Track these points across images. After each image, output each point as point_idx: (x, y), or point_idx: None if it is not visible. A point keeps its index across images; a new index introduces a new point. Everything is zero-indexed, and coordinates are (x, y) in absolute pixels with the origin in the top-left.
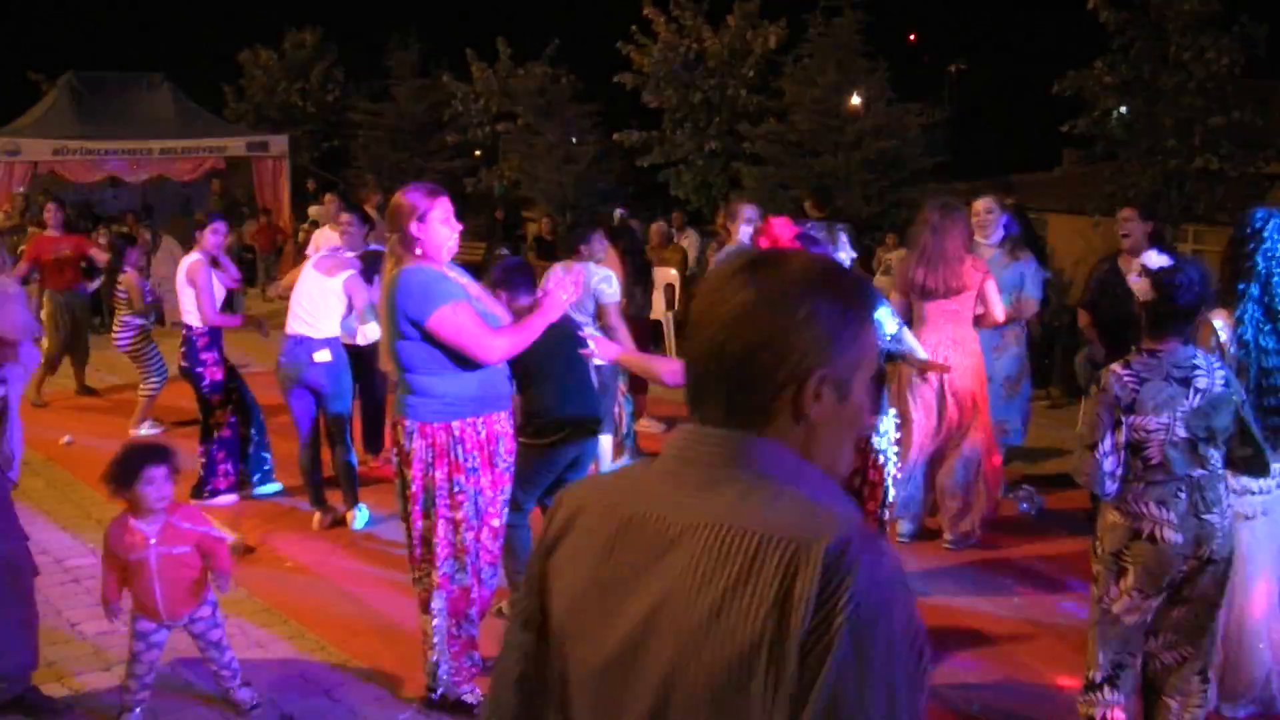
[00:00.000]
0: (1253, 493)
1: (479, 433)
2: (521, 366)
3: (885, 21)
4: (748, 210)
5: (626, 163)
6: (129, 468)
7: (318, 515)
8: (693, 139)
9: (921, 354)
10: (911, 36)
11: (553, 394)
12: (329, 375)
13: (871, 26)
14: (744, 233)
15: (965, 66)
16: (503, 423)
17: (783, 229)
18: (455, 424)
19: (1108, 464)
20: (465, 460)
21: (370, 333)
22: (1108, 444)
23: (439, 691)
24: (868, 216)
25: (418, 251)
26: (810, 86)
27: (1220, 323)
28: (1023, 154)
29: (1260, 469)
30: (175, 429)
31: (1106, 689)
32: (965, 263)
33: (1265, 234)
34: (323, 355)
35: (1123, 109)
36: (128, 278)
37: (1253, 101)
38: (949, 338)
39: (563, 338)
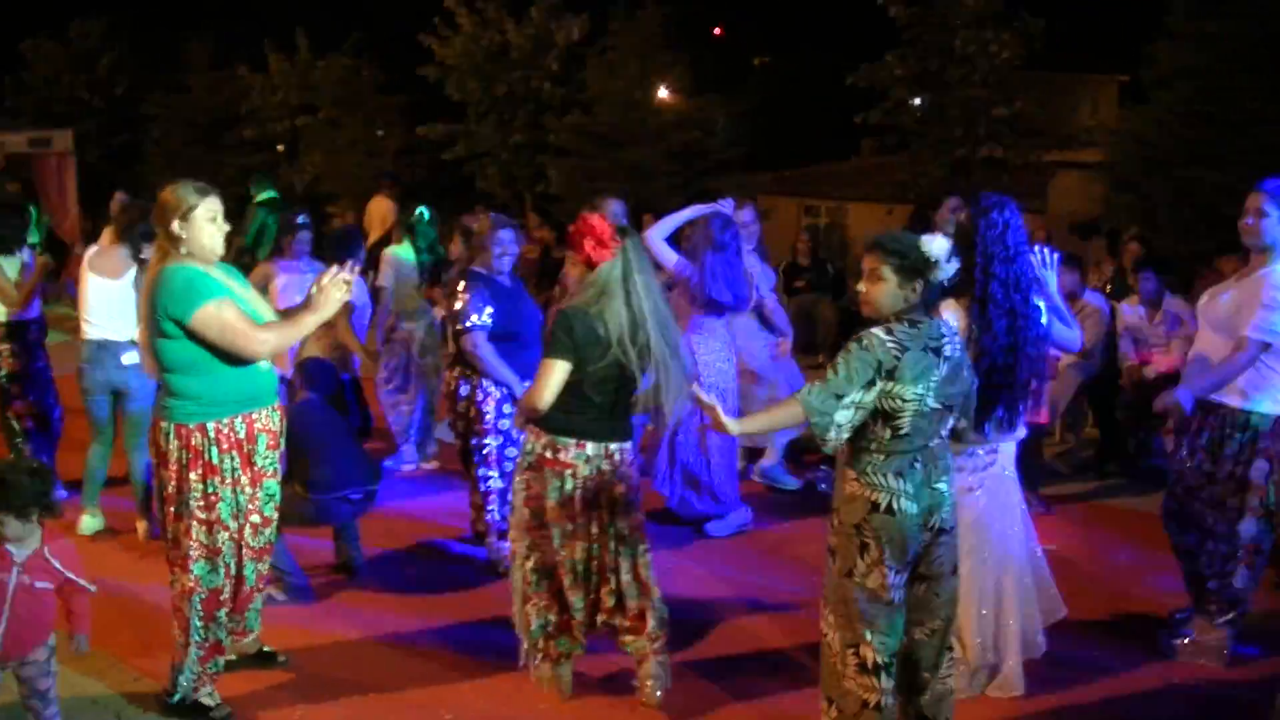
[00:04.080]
0: (969, 469)
1: (236, 433)
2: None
3: (689, 15)
4: (612, 204)
5: (432, 157)
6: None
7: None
8: (498, 132)
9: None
10: (718, 30)
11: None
12: (138, 376)
13: (675, 20)
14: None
15: (769, 59)
16: (265, 419)
17: (605, 226)
18: (210, 425)
19: (842, 416)
20: (220, 462)
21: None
22: (853, 395)
23: (176, 696)
24: (673, 208)
25: (183, 250)
26: (614, 79)
27: (951, 314)
28: (823, 144)
29: (960, 439)
30: None
31: (884, 676)
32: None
33: (1005, 219)
34: (131, 357)
35: (918, 100)
36: None
37: (1033, 93)
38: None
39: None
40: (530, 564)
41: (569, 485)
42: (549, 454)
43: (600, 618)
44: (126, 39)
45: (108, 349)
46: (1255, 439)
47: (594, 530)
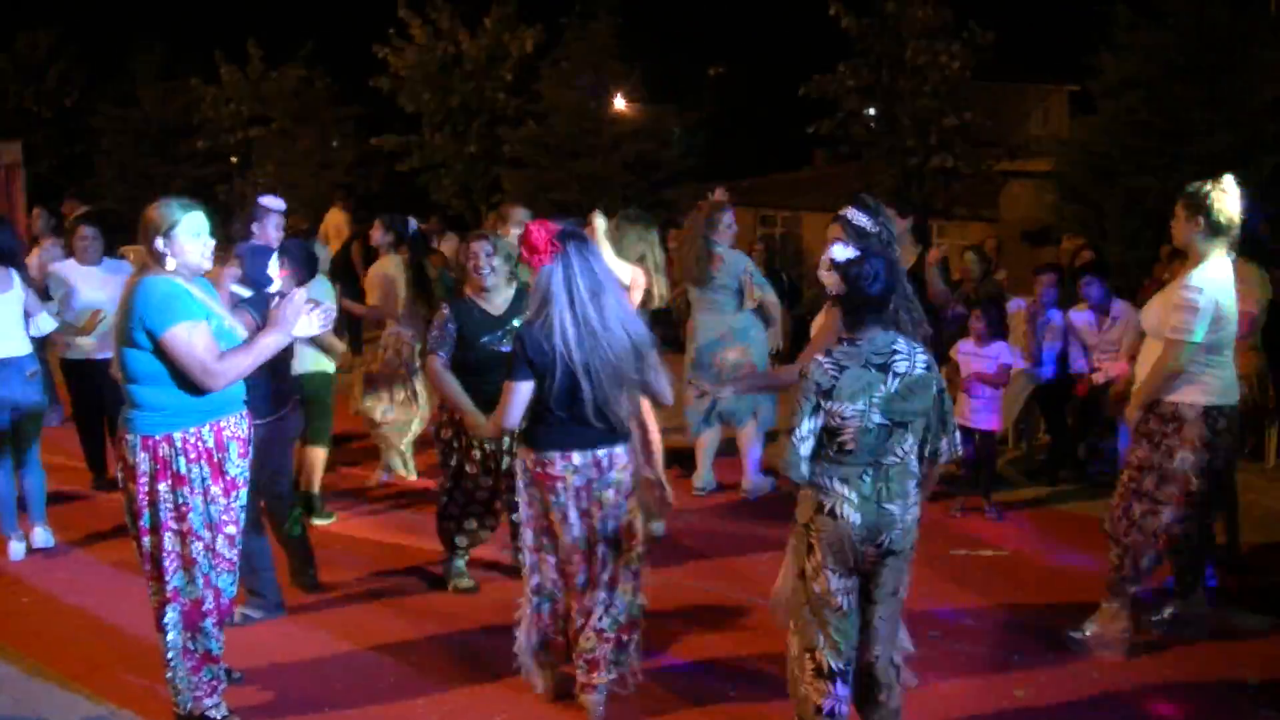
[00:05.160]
0: None
1: (204, 441)
2: None
3: (644, 26)
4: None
5: (386, 168)
6: None
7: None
8: (452, 143)
9: None
10: (669, 40)
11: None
12: (38, 390)
13: (629, 30)
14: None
15: (723, 70)
16: (233, 426)
17: (541, 232)
18: (177, 435)
19: (804, 449)
20: (188, 472)
21: (44, 325)
22: (805, 429)
23: (186, 708)
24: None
25: (169, 266)
26: (568, 89)
27: None
28: (777, 154)
29: (948, 456)
30: None
31: (839, 683)
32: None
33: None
34: (34, 372)
35: (871, 110)
36: None
37: (982, 103)
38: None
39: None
40: (532, 584)
41: (561, 497)
42: (539, 469)
43: (580, 621)
44: (75, 50)
45: (9, 366)
46: (1180, 429)
47: (587, 539)
